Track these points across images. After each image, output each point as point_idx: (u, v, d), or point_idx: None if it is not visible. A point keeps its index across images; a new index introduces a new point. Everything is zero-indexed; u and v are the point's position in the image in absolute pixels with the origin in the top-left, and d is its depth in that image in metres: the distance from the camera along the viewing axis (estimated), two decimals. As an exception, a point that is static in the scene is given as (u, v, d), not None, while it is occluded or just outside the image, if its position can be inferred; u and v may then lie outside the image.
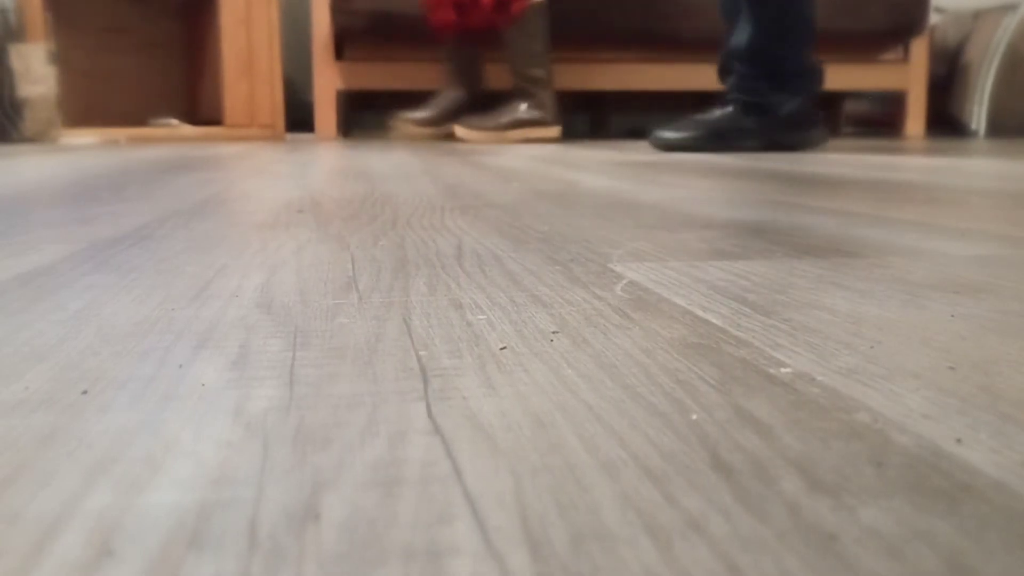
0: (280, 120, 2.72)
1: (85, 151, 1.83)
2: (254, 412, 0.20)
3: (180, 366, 0.24)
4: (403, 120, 2.40)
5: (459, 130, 2.31)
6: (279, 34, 2.71)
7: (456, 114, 2.37)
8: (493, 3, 2.23)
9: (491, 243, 0.48)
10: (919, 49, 2.72)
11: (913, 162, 1.28)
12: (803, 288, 0.35)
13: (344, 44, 2.62)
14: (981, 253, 0.43)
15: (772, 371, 0.23)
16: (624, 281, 0.37)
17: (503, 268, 0.40)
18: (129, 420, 0.20)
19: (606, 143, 2.17)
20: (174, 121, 2.77)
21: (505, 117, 2.29)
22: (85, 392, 0.22)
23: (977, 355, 0.25)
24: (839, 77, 2.47)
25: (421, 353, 0.26)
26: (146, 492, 0.16)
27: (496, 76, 2.50)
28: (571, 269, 0.40)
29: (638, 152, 1.66)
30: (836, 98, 2.85)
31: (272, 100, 2.70)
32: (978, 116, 2.71)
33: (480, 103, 2.38)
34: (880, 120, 2.96)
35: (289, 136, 2.78)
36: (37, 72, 2.42)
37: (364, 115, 2.89)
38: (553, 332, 0.28)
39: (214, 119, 2.76)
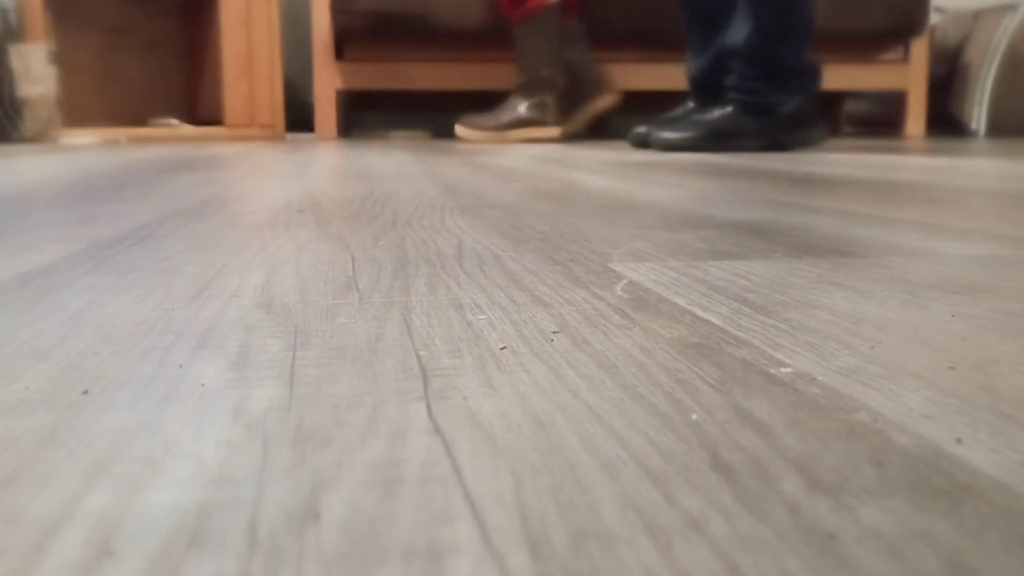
0: (280, 120, 2.72)
1: (85, 151, 1.83)
2: (254, 412, 0.20)
3: (180, 366, 0.24)
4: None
5: (459, 130, 2.31)
6: (279, 34, 2.71)
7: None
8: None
9: (491, 243, 0.48)
10: (919, 49, 2.72)
11: (913, 162, 1.28)
12: (803, 288, 0.35)
13: (344, 44, 2.62)
14: (981, 253, 0.43)
15: (772, 371, 0.23)
16: (624, 281, 0.37)
17: (503, 268, 0.40)
18: (129, 420, 0.20)
19: (606, 143, 2.17)
20: (174, 121, 2.77)
21: (505, 117, 2.29)
22: (85, 392, 0.22)
23: (977, 355, 0.25)
24: (839, 77, 2.47)
25: (421, 353, 0.26)
26: (146, 492, 0.16)
27: (497, 76, 2.50)
28: (571, 269, 0.40)
29: (638, 152, 1.66)
30: (836, 98, 2.85)
31: (272, 100, 2.71)
32: (978, 116, 2.71)
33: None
34: (880, 120, 2.96)
35: (289, 136, 2.78)
36: (37, 72, 2.42)
37: (364, 115, 2.89)
38: (553, 332, 0.28)
39: (214, 119, 2.76)
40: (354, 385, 0.23)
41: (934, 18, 2.80)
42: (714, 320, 0.30)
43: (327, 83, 2.60)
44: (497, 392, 0.22)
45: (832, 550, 0.14)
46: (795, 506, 0.15)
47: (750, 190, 0.80)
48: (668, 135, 1.70)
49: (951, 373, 0.23)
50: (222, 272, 0.39)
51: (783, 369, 0.24)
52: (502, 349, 0.26)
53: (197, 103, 3.01)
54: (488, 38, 2.47)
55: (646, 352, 0.26)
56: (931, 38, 2.78)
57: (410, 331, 0.28)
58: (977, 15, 2.76)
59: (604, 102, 2.41)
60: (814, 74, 1.72)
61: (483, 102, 2.42)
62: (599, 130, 2.54)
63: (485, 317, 0.30)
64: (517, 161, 1.35)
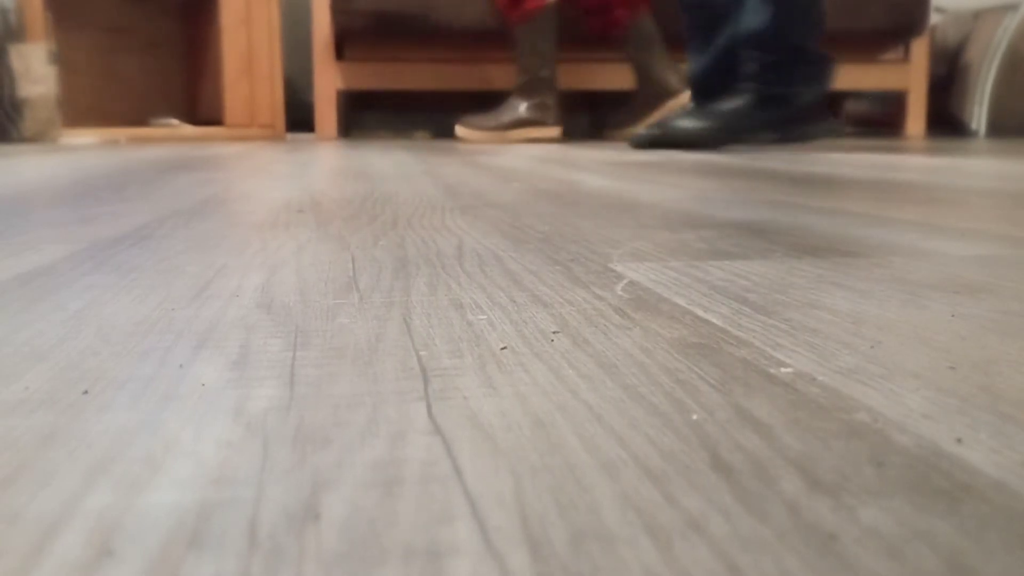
0: (280, 120, 2.72)
1: (85, 151, 1.83)
2: (254, 412, 0.20)
3: (180, 366, 0.24)
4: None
5: (459, 130, 2.31)
6: (279, 34, 2.71)
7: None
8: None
9: (492, 243, 0.48)
10: (919, 49, 2.72)
11: (913, 162, 1.28)
12: (803, 288, 0.35)
13: (344, 44, 2.62)
14: (981, 253, 0.43)
15: (772, 371, 0.23)
16: (624, 281, 0.37)
17: (503, 268, 0.40)
18: (129, 420, 0.20)
19: (606, 143, 2.17)
20: (174, 121, 2.77)
21: (506, 117, 2.29)
22: (85, 392, 0.22)
23: (977, 355, 0.25)
24: (839, 77, 2.46)
25: (421, 353, 0.26)
26: (146, 492, 0.16)
27: (497, 76, 2.50)
28: (571, 269, 0.40)
29: (638, 152, 1.66)
30: (836, 98, 2.85)
31: (272, 100, 2.71)
32: (978, 116, 2.71)
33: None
34: (880, 120, 2.96)
35: (289, 136, 2.78)
36: (37, 72, 2.42)
37: (364, 115, 2.89)
38: (553, 332, 0.28)
39: (214, 119, 2.76)
40: (354, 385, 0.23)
41: (934, 18, 2.80)
42: (714, 320, 0.30)
43: (327, 83, 2.60)
44: (497, 392, 0.22)
45: (832, 550, 0.14)
46: (795, 506, 0.15)
47: (750, 190, 0.80)
48: (685, 124, 1.66)
49: (951, 373, 0.23)
50: (222, 272, 0.39)
51: (783, 369, 0.24)
52: (502, 349, 0.26)
53: (197, 103, 3.01)
54: (488, 38, 2.47)
55: (646, 352, 0.26)
56: (931, 38, 2.78)
57: (410, 331, 0.28)
58: (977, 15, 2.76)
59: (675, 104, 2.30)
60: (829, 64, 1.68)
61: (483, 102, 2.42)
62: (599, 130, 2.54)
63: (485, 317, 0.30)
64: (517, 161, 1.35)
